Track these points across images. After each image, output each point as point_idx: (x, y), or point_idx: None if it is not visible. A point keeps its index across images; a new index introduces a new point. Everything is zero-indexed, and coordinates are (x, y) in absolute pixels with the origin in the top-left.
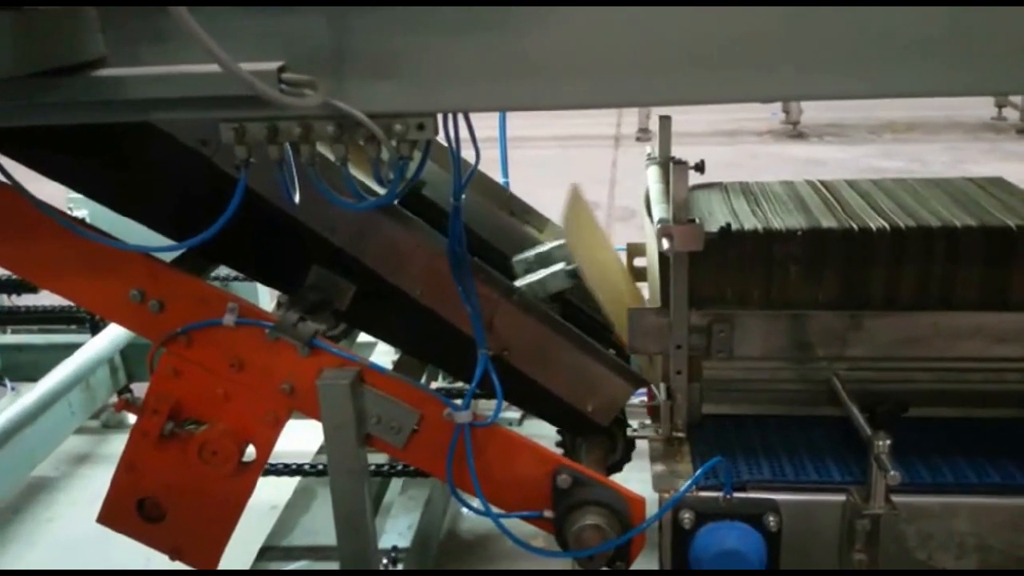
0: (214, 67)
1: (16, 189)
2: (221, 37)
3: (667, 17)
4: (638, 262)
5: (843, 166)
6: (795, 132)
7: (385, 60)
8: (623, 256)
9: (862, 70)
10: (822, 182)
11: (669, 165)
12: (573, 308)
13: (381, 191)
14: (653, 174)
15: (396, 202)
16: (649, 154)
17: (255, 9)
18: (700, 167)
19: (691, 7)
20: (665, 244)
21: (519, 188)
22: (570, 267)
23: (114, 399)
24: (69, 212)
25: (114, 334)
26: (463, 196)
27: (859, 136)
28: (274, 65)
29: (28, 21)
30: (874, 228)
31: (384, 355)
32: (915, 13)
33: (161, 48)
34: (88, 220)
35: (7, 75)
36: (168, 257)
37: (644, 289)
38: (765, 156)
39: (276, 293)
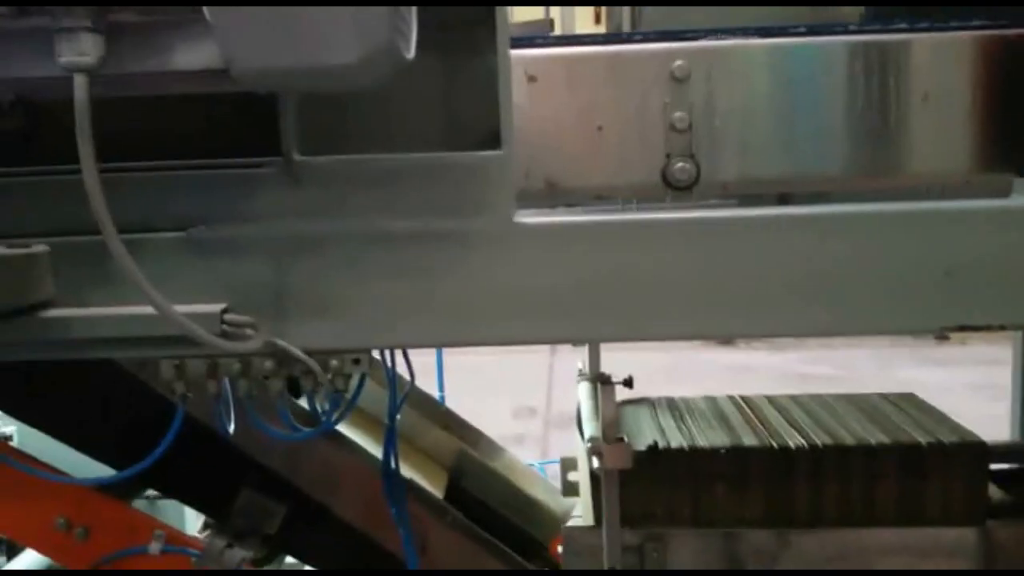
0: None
1: None
2: (168, 278)
3: (586, 262)
4: (571, 476)
5: (772, 372)
6: (726, 339)
7: (324, 301)
8: (557, 469)
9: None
10: (743, 398)
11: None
12: (508, 524)
13: None
14: (584, 390)
15: None
16: (580, 370)
17: (201, 254)
18: (629, 383)
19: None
20: (595, 462)
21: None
22: None
23: None
24: None
25: (31, 560)
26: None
27: (786, 342)
28: (217, 307)
29: None
30: (793, 446)
31: None
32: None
33: (108, 290)
34: (15, 438)
35: None
36: None
37: (577, 504)
38: (699, 362)
39: None
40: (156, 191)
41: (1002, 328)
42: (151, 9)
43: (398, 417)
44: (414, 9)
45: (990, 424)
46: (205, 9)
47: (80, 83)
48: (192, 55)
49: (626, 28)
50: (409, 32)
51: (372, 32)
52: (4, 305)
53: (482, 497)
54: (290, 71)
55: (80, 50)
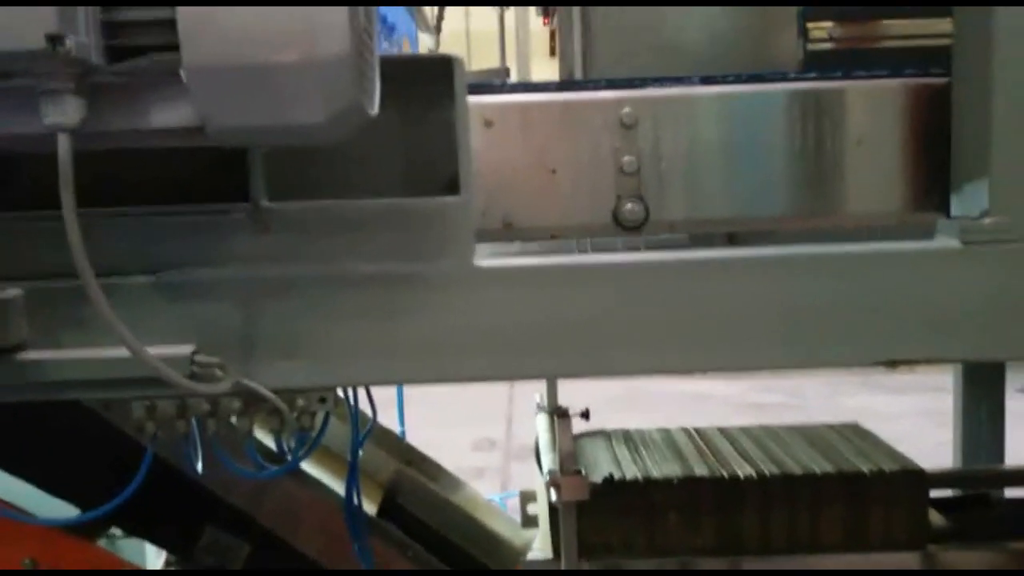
0: (127, 351)
1: None
2: (138, 320)
3: (541, 302)
4: (531, 509)
5: (727, 401)
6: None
7: (291, 341)
8: (516, 503)
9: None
10: (696, 429)
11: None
12: (468, 557)
13: None
14: (542, 422)
15: None
16: (538, 403)
17: (171, 297)
18: (586, 415)
19: (561, 295)
20: (553, 495)
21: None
22: None
23: None
24: None
25: None
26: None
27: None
28: (187, 349)
29: None
30: (743, 476)
31: None
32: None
33: (80, 333)
34: None
35: None
36: None
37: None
38: (654, 392)
39: None
40: (127, 236)
41: (928, 362)
42: (131, 72)
43: (360, 453)
44: (377, 67)
45: (938, 450)
46: (182, 72)
47: (64, 142)
48: (169, 114)
49: (578, 75)
50: (373, 90)
51: (339, 93)
52: None
53: (444, 532)
54: (262, 130)
55: (64, 111)
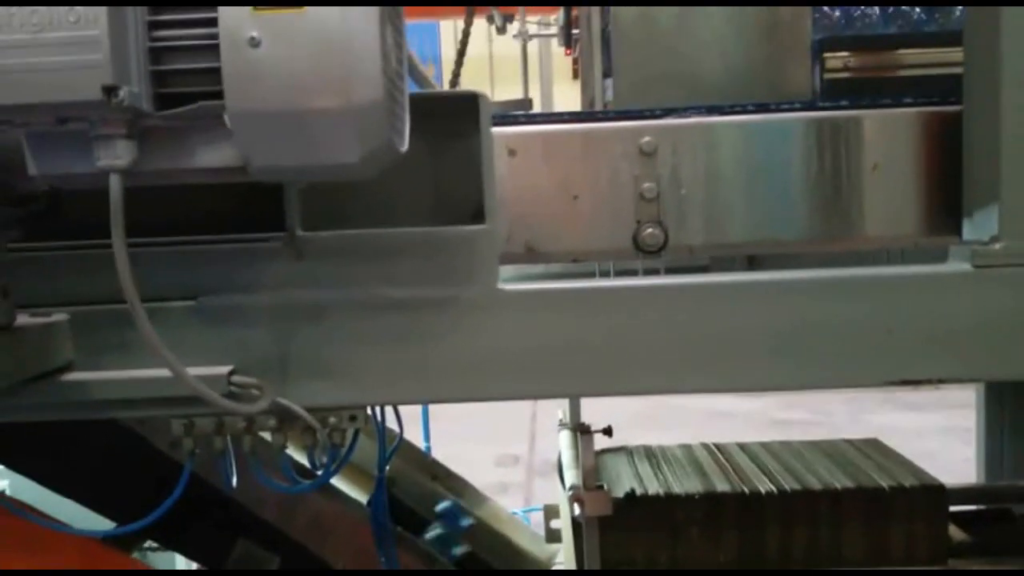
0: (168, 372)
1: None
2: (179, 342)
3: (562, 324)
4: (554, 524)
5: (750, 418)
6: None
7: (324, 362)
8: (540, 517)
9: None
10: (716, 445)
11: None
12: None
13: None
14: (565, 439)
15: None
16: (561, 420)
17: (210, 321)
18: (608, 432)
19: (581, 318)
20: (576, 510)
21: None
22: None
23: None
24: None
25: None
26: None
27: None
28: (224, 369)
29: (14, 337)
30: (763, 491)
31: None
32: (742, 326)
33: (123, 355)
34: (8, 492)
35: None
36: None
37: (560, 551)
38: (677, 408)
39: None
40: (170, 263)
41: (940, 382)
42: (178, 117)
43: (386, 468)
44: (407, 106)
45: (965, 466)
46: (226, 117)
47: (115, 182)
48: (213, 155)
49: (599, 105)
50: (404, 128)
51: (372, 135)
52: (27, 370)
53: (467, 545)
54: (300, 169)
55: (116, 154)
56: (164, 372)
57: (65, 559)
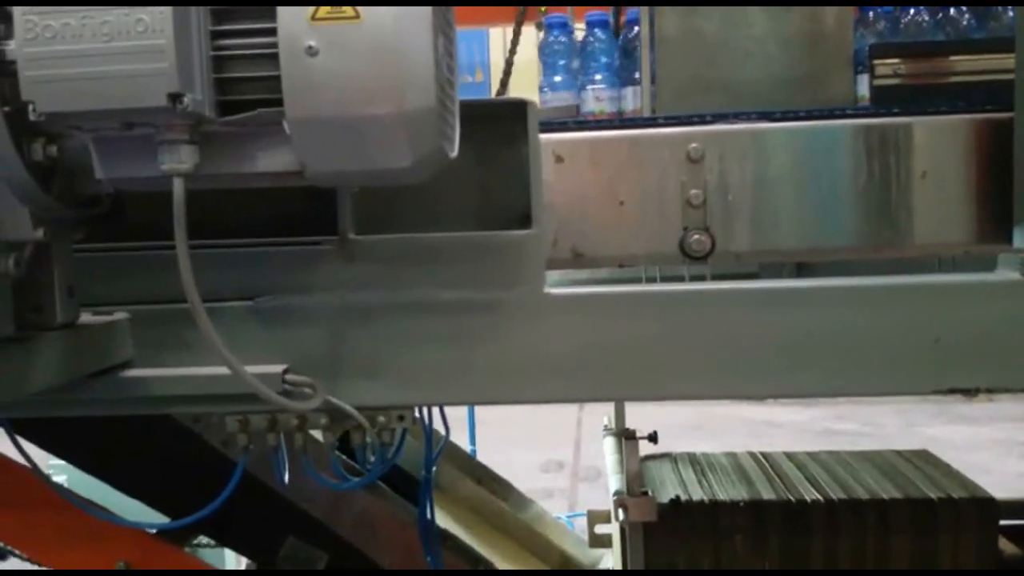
0: (224, 369)
1: (34, 471)
2: (235, 340)
3: (608, 329)
4: (599, 529)
5: (798, 428)
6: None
7: (374, 363)
8: (583, 523)
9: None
10: (763, 454)
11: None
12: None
13: None
14: (609, 445)
15: None
16: (606, 425)
17: (265, 321)
18: (653, 438)
19: (627, 322)
20: (621, 515)
21: (486, 452)
22: None
23: None
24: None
25: None
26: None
27: (812, 399)
28: (279, 368)
29: (77, 334)
30: (809, 500)
31: None
32: (789, 332)
33: (181, 352)
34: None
35: (59, 384)
36: None
37: (607, 556)
38: (723, 418)
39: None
40: (227, 265)
41: (989, 391)
42: (239, 123)
43: (433, 469)
44: (457, 113)
45: (1018, 481)
46: (285, 123)
47: (178, 186)
48: (272, 160)
49: (646, 112)
50: (454, 135)
51: (424, 141)
52: (89, 366)
53: None
54: (355, 174)
55: (179, 159)
56: (221, 369)
57: (121, 551)
